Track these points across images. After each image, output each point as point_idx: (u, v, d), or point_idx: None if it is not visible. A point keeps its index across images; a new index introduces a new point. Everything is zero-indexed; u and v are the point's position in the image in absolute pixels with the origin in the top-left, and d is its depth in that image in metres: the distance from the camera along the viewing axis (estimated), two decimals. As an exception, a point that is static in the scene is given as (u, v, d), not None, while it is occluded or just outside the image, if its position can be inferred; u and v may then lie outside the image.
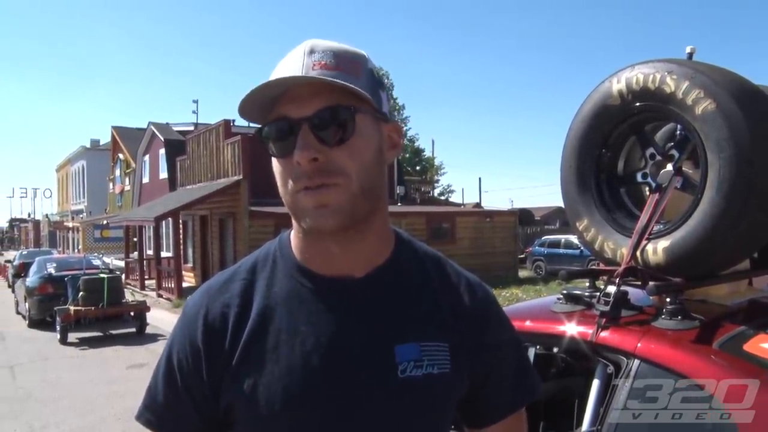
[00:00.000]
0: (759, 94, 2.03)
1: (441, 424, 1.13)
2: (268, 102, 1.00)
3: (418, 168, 43.35)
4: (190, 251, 22.13)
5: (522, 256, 25.97)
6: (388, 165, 1.11)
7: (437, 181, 44.51)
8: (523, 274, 23.23)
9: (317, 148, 0.97)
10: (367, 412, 1.02)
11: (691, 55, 2.31)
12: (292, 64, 0.99)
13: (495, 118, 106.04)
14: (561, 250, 23.15)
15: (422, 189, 29.42)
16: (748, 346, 1.82)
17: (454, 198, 42.99)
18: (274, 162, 1.04)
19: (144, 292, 19.78)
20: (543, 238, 26.79)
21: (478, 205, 31.19)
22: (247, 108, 1.01)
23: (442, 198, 38.19)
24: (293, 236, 1.12)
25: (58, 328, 12.31)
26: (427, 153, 45.95)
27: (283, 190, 1.03)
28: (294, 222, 1.08)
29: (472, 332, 1.13)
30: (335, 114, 0.98)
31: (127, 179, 34.72)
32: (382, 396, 1.03)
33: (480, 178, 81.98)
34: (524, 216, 30.20)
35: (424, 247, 1.22)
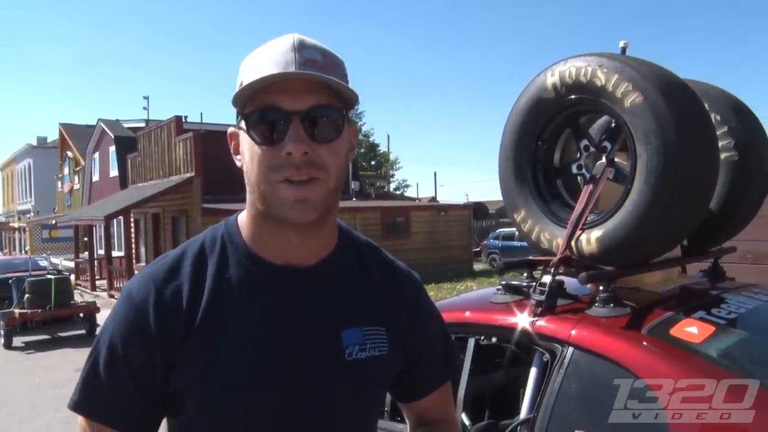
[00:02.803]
0: (684, 87, 2.09)
1: (379, 401, 1.26)
2: (254, 90, 1.02)
3: (373, 163, 43.31)
4: (142, 250, 21.75)
5: (477, 249, 26.20)
6: None
7: (392, 175, 44.53)
8: (478, 267, 23.44)
9: (307, 142, 1.01)
10: (318, 393, 1.09)
11: (624, 49, 2.36)
12: (282, 56, 1.01)
13: (450, 112, 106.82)
14: (515, 243, 23.37)
15: (377, 184, 29.45)
16: (675, 331, 1.88)
17: (410, 192, 43.12)
18: (250, 150, 1.04)
19: (95, 292, 19.35)
20: (497, 231, 27.05)
21: (433, 199, 31.34)
22: (237, 96, 1.03)
23: (398, 193, 38.25)
24: (246, 223, 1.14)
25: (2, 332, 11.92)
26: (383, 148, 46.01)
27: (259, 177, 1.04)
28: (256, 209, 1.09)
29: (405, 317, 1.23)
30: (327, 113, 1.03)
31: (76, 177, 33.88)
32: (331, 378, 1.10)
33: (435, 173, 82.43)
34: (479, 209, 30.45)
35: (362, 237, 1.28)
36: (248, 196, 1.10)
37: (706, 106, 2.24)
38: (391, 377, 1.23)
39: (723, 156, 2.36)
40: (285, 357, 1.07)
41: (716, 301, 2.22)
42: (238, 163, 1.11)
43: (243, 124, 1.04)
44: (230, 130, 1.12)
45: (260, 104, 1.02)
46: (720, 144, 2.28)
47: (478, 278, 19.44)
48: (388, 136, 72.17)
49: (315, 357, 1.09)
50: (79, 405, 1.09)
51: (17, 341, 11.93)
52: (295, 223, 1.05)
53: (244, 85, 1.01)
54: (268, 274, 1.10)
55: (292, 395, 1.07)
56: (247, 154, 1.05)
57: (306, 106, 1.01)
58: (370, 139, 44.18)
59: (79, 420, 1.10)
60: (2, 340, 11.89)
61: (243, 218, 1.15)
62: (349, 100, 1.07)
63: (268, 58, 1.02)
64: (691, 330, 1.88)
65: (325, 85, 1.02)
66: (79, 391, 1.09)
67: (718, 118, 2.44)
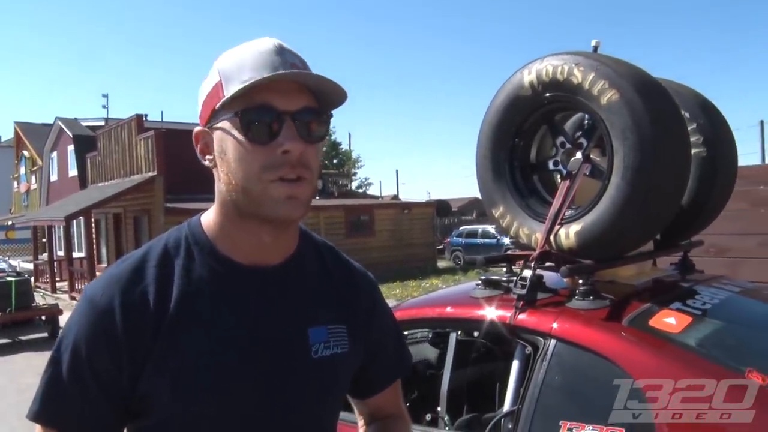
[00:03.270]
0: (658, 85, 2.16)
1: (341, 398, 1.28)
2: (244, 90, 1.02)
3: (335, 161, 43.27)
4: (103, 251, 21.37)
5: (440, 246, 26.39)
6: None
7: (355, 174, 44.55)
8: (441, 264, 23.62)
9: (302, 142, 1.03)
10: (286, 390, 1.11)
11: (596, 48, 2.42)
12: (268, 57, 1.03)
13: (411, 110, 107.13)
14: (479, 240, 23.65)
15: (340, 182, 29.34)
16: (653, 322, 1.94)
17: (372, 191, 43.18)
18: (236, 150, 1.04)
19: (56, 294, 18.94)
20: (461, 228, 27.28)
21: (395, 197, 31.37)
22: (231, 95, 1.03)
23: (360, 191, 38.24)
24: (214, 223, 1.14)
25: (-39, 336, 11.66)
26: (344, 146, 45.97)
27: (249, 177, 1.03)
28: (233, 208, 1.09)
29: (363, 315, 1.27)
30: (317, 115, 1.06)
31: (33, 177, 33.05)
32: (299, 375, 1.13)
33: (397, 171, 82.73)
34: (441, 207, 30.63)
35: (318, 238, 1.31)
36: (224, 195, 1.10)
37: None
38: (351, 374, 1.27)
39: (693, 152, 2.43)
40: (255, 356, 1.08)
41: (690, 292, 2.29)
42: (207, 164, 1.11)
43: (228, 123, 1.04)
44: (197, 129, 1.11)
45: (252, 103, 1.01)
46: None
47: (443, 275, 19.59)
48: (350, 134, 71.98)
49: (284, 355, 1.11)
50: (41, 414, 1.05)
51: (-24, 346, 11.65)
52: (283, 221, 1.07)
53: (226, 84, 1.03)
54: (235, 273, 1.11)
55: (262, 393, 1.08)
56: (233, 153, 1.04)
57: (298, 107, 1.03)
58: (332, 137, 44.08)
59: (37, 429, 1.07)
60: (-39, 345, 11.59)
61: (209, 219, 1.15)
62: (332, 103, 1.10)
63: (254, 59, 1.03)
64: (670, 321, 1.94)
65: (307, 87, 1.05)
66: (40, 399, 1.05)
67: (688, 115, 2.51)
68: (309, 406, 1.16)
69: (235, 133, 1.03)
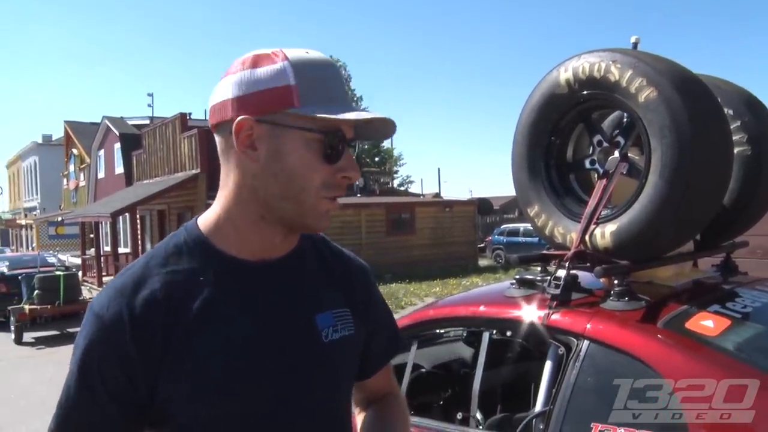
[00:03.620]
0: (698, 82, 2.10)
1: (352, 380, 1.31)
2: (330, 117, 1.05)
3: (377, 159, 43.33)
4: (148, 246, 21.83)
5: (482, 245, 26.21)
6: None
7: (396, 171, 44.55)
8: (483, 263, 23.46)
9: None
10: (304, 378, 1.13)
11: (635, 44, 2.37)
12: (339, 84, 1.10)
13: (455, 108, 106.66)
14: (520, 239, 23.41)
15: (381, 180, 29.42)
16: (690, 324, 1.90)
17: (414, 188, 43.14)
18: (304, 160, 1.05)
19: (101, 288, 19.42)
20: (502, 226, 27.06)
21: (437, 195, 31.30)
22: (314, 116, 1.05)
23: (402, 189, 38.25)
24: (222, 220, 1.13)
25: (12, 327, 12.04)
26: (386, 144, 46.00)
27: (308, 188, 1.07)
28: (256, 211, 1.10)
29: (361, 299, 1.30)
30: (356, 146, 1.15)
31: (81, 175, 33.95)
32: (313, 361, 1.14)
33: (439, 169, 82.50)
34: (483, 205, 30.47)
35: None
36: (248, 194, 1.09)
37: (719, 100, 2.25)
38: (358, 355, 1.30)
39: (736, 150, 2.37)
40: (271, 347, 1.09)
41: (730, 295, 2.23)
42: (246, 157, 1.07)
43: (301, 134, 1.05)
44: (243, 118, 1.04)
45: (331, 128, 1.05)
46: (733, 138, 2.29)
47: (483, 274, 19.45)
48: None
49: (297, 342, 1.13)
50: None
51: (27, 337, 12.04)
52: (315, 230, 1.15)
53: (303, 95, 1.04)
54: (241, 270, 1.11)
55: (282, 383, 1.10)
56: (296, 163, 1.05)
57: (352, 137, 1.11)
58: (374, 135, 44.07)
59: None
60: (13, 336, 11.99)
61: (210, 219, 1.15)
62: (371, 137, 1.21)
63: (331, 84, 1.08)
64: (707, 323, 1.90)
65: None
66: (56, 421, 1.06)
67: (731, 112, 2.45)
68: (327, 391, 1.18)
69: (308, 147, 1.05)
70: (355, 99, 42.11)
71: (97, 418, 1.03)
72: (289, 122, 1.04)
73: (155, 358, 1.02)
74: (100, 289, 19.20)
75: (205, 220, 1.15)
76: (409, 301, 13.93)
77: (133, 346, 1.01)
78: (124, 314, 1.02)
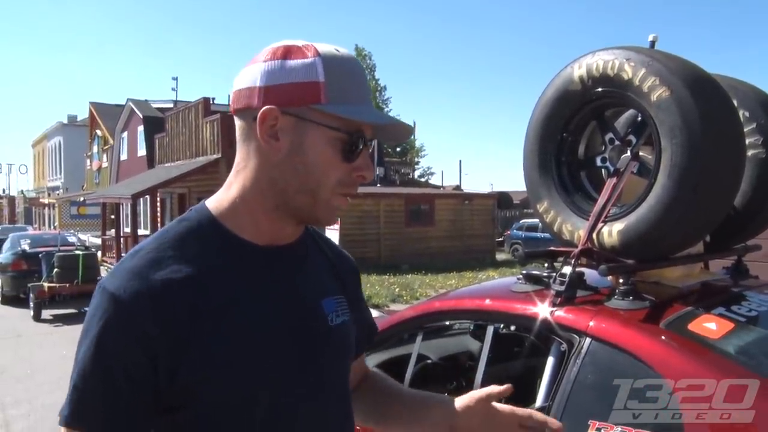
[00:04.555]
0: (711, 82, 2.08)
1: (350, 363, 1.34)
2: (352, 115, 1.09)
3: (398, 149, 43.24)
4: (167, 229, 22.00)
5: (500, 239, 26.14)
6: None
7: (417, 162, 44.50)
8: (500, 257, 23.41)
9: None
10: (321, 359, 1.17)
11: (653, 43, 2.35)
12: (364, 85, 1.14)
13: (477, 101, 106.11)
14: (539, 234, 23.26)
15: (402, 170, 29.41)
16: (693, 326, 1.89)
17: (434, 180, 43.06)
18: (323, 154, 1.08)
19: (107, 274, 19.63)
20: (521, 221, 26.94)
21: (457, 187, 31.27)
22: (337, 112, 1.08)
23: (422, 180, 38.21)
24: (236, 205, 1.13)
25: (31, 304, 12.24)
26: (407, 134, 45.82)
27: (325, 184, 1.10)
28: (272, 201, 1.12)
29: (351, 287, 1.36)
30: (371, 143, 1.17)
31: (104, 156, 34.31)
32: (324, 343, 1.19)
33: (460, 161, 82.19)
34: (503, 199, 30.32)
35: None
36: (266, 182, 1.10)
37: (735, 101, 2.23)
38: None
39: (750, 152, 2.34)
40: (286, 330, 1.12)
41: (737, 298, 2.22)
42: (268, 147, 1.07)
43: (324, 130, 1.07)
44: (268, 108, 1.05)
45: (353, 127, 1.08)
46: (747, 140, 2.27)
47: (500, 268, 19.40)
48: (414, 123, 71.78)
49: (311, 326, 1.16)
50: (71, 419, 1.01)
51: (45, 314, 12.26)
52: (323, 224, 1.17)
53: (329, 92, 1.06)
54: (256, 254, 1.14)
55: (302, 365, 1.12)
56: (316, 158, 1.07)
57: (371, 137, 1.15)
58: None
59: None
60: (31, 313, 12.19)
61: (221, 203, 1.15)
62: (391, 139, 1.25)
63: (357, 83, 1.11)
64: (710, 326, 1.89)
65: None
66: (70, 403, 1.01)
67: (747, 114, 2.42)
68: (338, 374, 1.23)
69: (330, 144, 1.08)
70: (379, 89, 42.07)
71: (113, 401, 1.00)
72: (315, 118, 1.06)
73: (178, 341, 1.00)
74: (118, 269, 19.42)
75: (218, 203, 1.15)
76: (424, 293, 13.94)
77: (156, 326, 0.99)
78: (145, 294, 1.00)
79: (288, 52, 1.08)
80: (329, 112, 1.05)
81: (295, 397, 1.12)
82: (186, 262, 1.06)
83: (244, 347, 1.05)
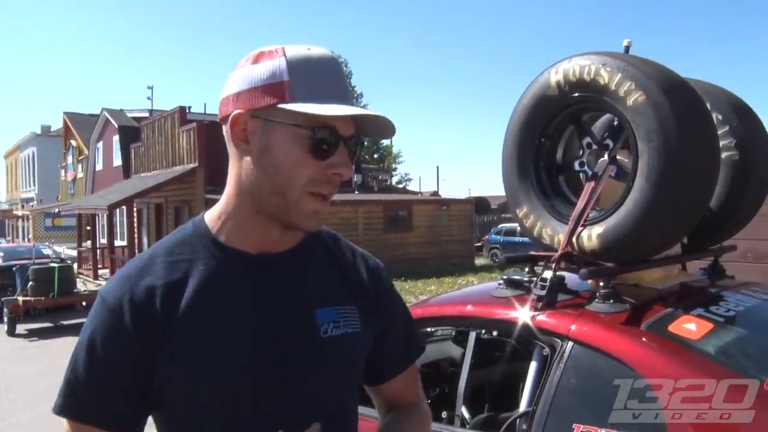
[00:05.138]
0: (686, 86, 2.12)
1: (356, 380, 1.28)
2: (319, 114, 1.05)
3: (375, 156, 43.31)
4: (144, 240, 21.81)
5: (478, 244, 26.22)
6: None
7: (395, 169, 44.60)
8: (479, 262, 23.48)
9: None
10: (299, 370, 1.13)
11: (627, 48, 2.38)
12: (334, 81, 1.10)
13: (455, 107, 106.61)
14: (517, 239, 23.35)
15: (380, 177, 29.44)
16: (673, 327, 1.91)
17: (412, 186, 43.12)
18: (292, 154, 1.07)
19: (97, 281, 19.39)
20: (499, 226, 27.02)
21: (435, 193, 31.24)
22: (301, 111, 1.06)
23: (400, 186, 38.28)
24: (223, 218, 1.16)
25: (5, 319, 11.99)
26: (385, 141, 45.96)
27: (294, 184, 1.07)
28: (252, 206, 1.12)
29: (372, 297, 1.28)
30: (359, 143, 1.14)
31: (79, 166, 33.88)
32: (308, 355, 1.14)
33: (438, 167, 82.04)
34: (481, 204, 30.41)
35: (323, 228, 1.32)
36: (245, 187, 1.11)
37: (708, 105, 2.26)
38: (365, 356, 1.27)
39: (724, 155, 2.38)
40: (264, 338, 1.11)
41: (715, 298, 2.24)
42: (240, 150, 1.10)
43: (289, 129, 1.06)
44: (238, 112, 1.08)
45: (321, 123, 1.06)
46: (721, 143, 2.30)
47: (480, 273, 19.47)
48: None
49: (292, 335, 1.13)
50: (63, 408, 1.10)
51: (20, 328, 12.02)
52: (301, 229, 1.14)
53: (293, 90, 1.05)
54: (241, 262, 1.14)
55: (275, 375, 1.11)
56: (284, 158, 1.07)
57: (351, 134, 1.10)
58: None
59: (64, 423, 1.11)
60: (5, 327, 11.97)
61: (215, 211, 1.18)
62: (377, 135, 1.18)
63: (325, 80, 1.08)
64: (690, 327, 1.91)
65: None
66: (62, 395, 1.11)
67: (720, 117, 2.46)
68: (327, 387, 1.17)
69: (296, 142, 1.06)
70: (355, 96, 42.17)
71: (101, 395, 1.08)
72: (280, 117, 1.06)
73: (153, 343, 1.06)
74: (95, 281, 19.24)
75: (211, 213, 1.19)
76: (405, 300, 13.89)
77: (132, 329, 1.06)
78: (126, 299, 1.08)
79: (259, 57, 1.09)
80: (293, 109, 1.04)
81: (264, 404, 1.11)
82: (173, 270, 1.12)
83: (209, 354, 1.07)
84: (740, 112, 2.52)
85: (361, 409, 2.16)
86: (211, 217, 1.18)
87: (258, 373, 1.10)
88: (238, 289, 1.12)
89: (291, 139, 1.06)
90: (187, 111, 19.60)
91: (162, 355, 1.06)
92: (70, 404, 1.10)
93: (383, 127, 1.14)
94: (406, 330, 1.39)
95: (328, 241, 1.30)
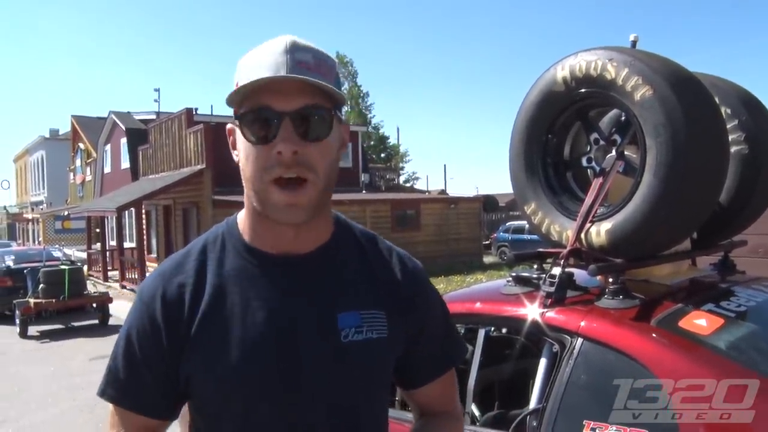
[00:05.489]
0: (694, 80, 2.10)
1: (381, 386, 1.24)
2: (249, 91, 1.06)
3: (383, 155, 43.26)
4: (153, 241, 21.86)
5: (487, 242, 26.14)
6: None
7: (402, 168, 44.54)
8: (488, 260, 23.41)
9: (296, 141, 1.05)
10: (315, 374, 1.13)
11: (634, 43, 2.37)
12: (274, 58, 1.05)
13: (462, 105, 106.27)
14: (525, 236, 23.29)
15: (387, 176, 29.42)
16: (683, 323, 1.90)
17: (420, 185, 43.13)
18: (244, 149, 1.10)
19: (107, 283, 19.50)
20: (508, 224, 26.91)
21: (443, 191, 31.28)
22: (232, 97, 1.08)
23: (408, 185, 38.26)
24: (244, 217, 1.21)
25: (17, 321, 12.08)
26: (392, 140, 45.96)
27: (253, 176, 1.09)
28: (251, 204, 1.14)
29: (404, 301, 1.24)
30: (317, 112, 1.07)
31: (88, 169, 34.00)
32: (327, 359, 1.14)
33: (445, 165, 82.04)
34: (489, 202, 30.33)
35: (360, 228, 1.32)
36: (246, 191, 1.15)
37: (717, 99, 2.25)
38: (393, 362, 1.24)
39: (733, 149, 2.36)
40: (283, 340, 1.12)
41: (725, 293, 2.23)
42: (235, 158, 1.16)
43: (237, 123, 1.10)
44: (229, 125, 1.16)
45: (254, 105, 1.06)
46: (730, 137, 2.29)
47: (488, 271, 19.41)
48: (398, 129, 72.16)
49: (311, 339, 1.13)
50: (103, 390, 1.20)
51: (32, 330, 12.10)
52: (286, 224, 1.12)
53: (239, 85, 1.06)
54: (264, 263, 1.16)
55: (290, 377, 1.12)
56: (242, 152, 1.10)
57: (296, 107, 1.05)
58: (380, 131, 44.16)
59: (109, 405, 1.21)
60: (17, 329, 12.04)
61: (242, 214, 1.22)
62: (339, 100, 1.12)
63: (262, 60, 1.06)
64: (700, 322, 1.90)
65: (316, 86, 1.06)
66: (104, 380, 1.20)
67: (729, 111, 2.44)
68: (347, 392, 1.16)
69: (243, 136, 1.09)
70: (362, 95, 42.13)
71: (136, 382, 1.16)
72: (236, 116, 1.10)
73: (179, 336, 1.13)
74: (104, 283, 19.33)
75: (241, 212, 1.24)
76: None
77: (163, 322, 1.14)
78: (159, 295, 1.15)
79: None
80: (229, 99, 1.08)
81: (281, 406, 1.12)
82: (202, 268, 1.18)
83: (225, 354, 1.11)
84: (749, 106, 2.50)
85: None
86: (240, 217, 1.23)
87: (275, 378, 1.11)
88: (260, 290, 1.15)
89: (241, 137, 1.10)
90: (194, 113, 19.59)
91: (186, 348, 1.13)
92: (110, 389, 1.19)
93: (331, 93, 1.08)
94: (443, 336, 1.34)
95: (364, 242, 1.28)
